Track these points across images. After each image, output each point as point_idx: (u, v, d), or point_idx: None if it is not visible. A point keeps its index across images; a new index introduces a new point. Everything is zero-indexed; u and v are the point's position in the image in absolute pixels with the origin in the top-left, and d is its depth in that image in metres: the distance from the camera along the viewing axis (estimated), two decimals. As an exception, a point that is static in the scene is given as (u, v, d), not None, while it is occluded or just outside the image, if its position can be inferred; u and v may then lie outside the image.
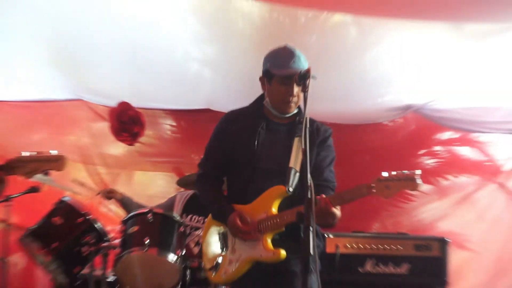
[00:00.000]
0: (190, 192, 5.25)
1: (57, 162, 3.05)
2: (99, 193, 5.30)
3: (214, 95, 5.82)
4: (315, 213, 3.01)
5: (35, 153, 3.01)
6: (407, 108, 5.76)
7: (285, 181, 3.40)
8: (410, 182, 3.10)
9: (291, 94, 3.47)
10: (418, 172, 3.07)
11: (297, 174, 3.39)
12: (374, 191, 3.16)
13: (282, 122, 3.62)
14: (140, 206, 5.26)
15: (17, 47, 5.33)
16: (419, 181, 3.07)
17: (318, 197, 3.21)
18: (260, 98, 3.69)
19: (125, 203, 5.27)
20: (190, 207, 5.17)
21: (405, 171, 3.10)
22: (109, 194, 5.28)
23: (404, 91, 5.65)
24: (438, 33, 5.09)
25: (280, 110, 3.57)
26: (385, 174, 3.14)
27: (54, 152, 3.03)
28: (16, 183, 3.14)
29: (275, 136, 3.58)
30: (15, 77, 5.74)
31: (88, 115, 6.19)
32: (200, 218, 5.05)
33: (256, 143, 3.53)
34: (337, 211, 3.28)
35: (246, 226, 3.45)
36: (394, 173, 3.13)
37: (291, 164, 3.43)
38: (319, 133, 3.60)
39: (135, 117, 5.86)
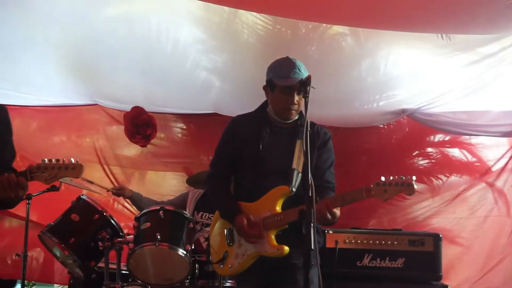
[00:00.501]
0: (201, 190, 5.24)
1: (74, 170, 3.08)
2: (109, 190, 5.26)
3: (221, 101, 5.82)
4: (318, 213, 3.08)
5: (54, 160, 3.01)
6: (401, 112, 5.75)
7: (288, 182, 3.43)
8: (407, 187, 3.16)
9: (292, 102, 3.51)
10: (414, 178, 3.13)
11: (300, 175, 3.43)
12: (373, 194, 3.20)
13: (285, 126, 3.64)
14: (150, 201, 5.27)
15: (37, 55, 5.35)
16: (415, 186, 3.13)
17: (320, 201, 3.25)
18: (264, 105, 3.72)
19: (135, 199, 5.24)
20: (201, 205, 5.16)
21: (402, 177, 3.15)
22: (118, 191, 5.25)
23: (398, 97, 5.64)
24: (429, 43, 5.10)
25: (282, 116, 3.61)
26: (383, 178, 3.18)
27: (72, 160, 3.03)
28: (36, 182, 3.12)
29: (278, 139, 3.61)
30: (36, 84, 5.74)
31: (104, 119, 6.19)
32: (210, 215, 5.05)
33: (261, 146, 3.56)
34: (337, 211, 3.33)
35: (252, 230, 3.47)
36: (391, 178, 3.18)
37: (294, 165, 3.47)
38: (319, 136, 3.63)
39: (148, 120, 5.86)
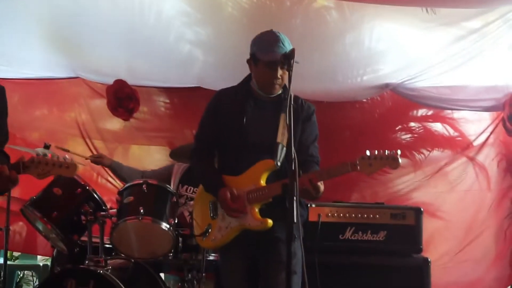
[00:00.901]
0: (187, 164, 5.21)
1: (68, 169, 3.07)
2: (87, 158, 5.22)
3: (205, 74, 5.78)
4: (301, 187, 3.13)
5: (48, 154, 2.98)
6: (385, 87, 5.73)
7: (273, 156, 3.43)
8: (392, 161, 3.19)
9: (275, 77, 3.50)
10: (399, 152, 3.15)
11: (284, 148, 3.42)
12: (358, 168, 3.22)
13: (269, 99, 3.63)
14: (131, 170, 5.25)
15: (18, 27, 5.27)
16: (399, 160, 3.16)
17: (304, 175, 3.27)
18: (248, 78, 3.70)
19: (114, 168, 5.20)
20: (186, 178, 5.14)
21: (387, 151, 3.18)
22: (97, 159, 5.20)
23: (381, 71, 5.62)
24: (414, 17, 5.08)
25: (265, 91, 3.60)
26: (368, 153, 3.20)
27: (67, 157, 3.05)
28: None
29: (262, 113, 3.60)
30: (17, 56, 5.67)
31: (86, 92, 6.12)
32: (195, 189, 5.00)
33: (245, 119, 3.55)
34: (321, 185, 3.35)
35: (235, 204, 3.47)
36: (376, 152, 3.20)
37: (278, 139, 3.47)
38: (303, 110, 3.63)
39: (130, 94, 5.83)
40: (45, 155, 3.04)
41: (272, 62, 3.45)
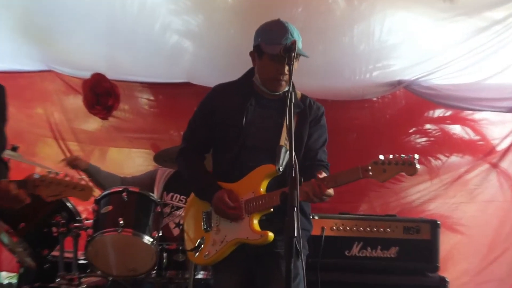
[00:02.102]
0: (171, 170, 5.20)
1: (83, 192, 3.08)
2: (62, 160, 5.20)
3: (195, 69, 5.77)
4: (308, 195, 3.20)
5: (60, 174, 2.95)
6: (397, 84, 5.73)
7: (275, 160, 3.43)
8: (408, 167, 3.19)
9: (282, 72, 3.49)
10: (417, 156, 3.17)
11: (288, 153, 3.39)
12: (371, 174, 3.21)
13: (273, 98, 3.62)
14: (110, 176, 5.24)
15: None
16: (417, 166, 3.17)
17: (313, 180, 3.28)
18: (250, 73, 3.69)
19: (91, 172, 5.15)
20: (172, 184, 5.14)
21: (403, 155, 3.19)
22: (74, 162, 5.15)
23: (394, 67, 5.62)
24: (430, 7, 5.08)
25: (270, 88, 3.59)
26: (382, 157, 3.20)
27: (83, 178, 3.01)
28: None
29: (265, 112, 3.61)
30: (-18, 47, 5.67)
31: (59, 88, 6.13)
32: (182, 197, 5.03)
33: (244, 119, 3.55)
34: (331, 191, 3.33)
35: (236, 203, 3.47)
36: (391, 156, 3.20)
37: (282, 142, 3.47)
38: (311, 111, 3.64)
39: (109, 89, 5.84)
40: (56, 173, 3.01)
41: (279, 56, 3.41)
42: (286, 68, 3.44)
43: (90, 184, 3.10)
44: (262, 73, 3.58)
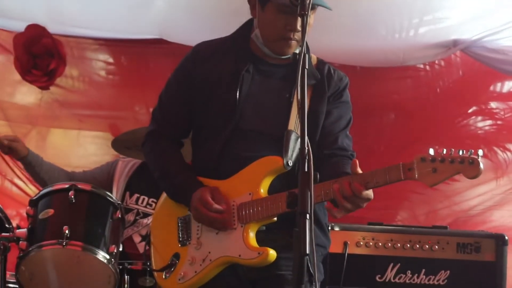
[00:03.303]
0: (137, 160, 5.23)
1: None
2: None
3: (170, 20, 5.81)
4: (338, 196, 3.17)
5: None
6: (452, 45, 5.79)
7: (281, 150, 3.42)
8: (469, 166, 3.16)
9: (292, 28, 3.49)
10: (481, 152, 3.13)
11: (299, 140, 3.38)
12: (416, 175, 3.21)
13: (279, 63, 3.63)
14: (55, 169, 5.26)
15: None
16: (481, 165, 3.13)
17: (345, 177, 3.25)
18: (247, 27, 3.70)
19: (31, 162, 5.15)
20: (137, 182, 5.19)
21: (461, 151, 3.15)
22: (10, 144, 5.10)
23: (447, 21, 5.67)
24: None
25: (275, 49, 3.60)
26: (432, 152, 3.18)
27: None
28: None
29: (267, 83, 3.62)
30: None
31: (-19, 45, 6.14)
32: (151, 200, 5.08)
33: (238, 92, 3.55)
34: (370, 192, 3.29)
35: (224, 206, 3.45)
36: (445, 151, 3.18)
37: (291, 126, 3.47)
38: (331, 83, 3.63)
39: (51, 47, 5.78)
40: None
41: (290, 5, 3.33)
42: (299, 22, 3.42)
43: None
44: (265, 28, 3.57)
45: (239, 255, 3.44)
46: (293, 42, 3.52)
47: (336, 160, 3.48)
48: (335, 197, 3.23)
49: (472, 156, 3.13)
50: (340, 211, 3.28)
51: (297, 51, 3.50)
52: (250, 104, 3.56)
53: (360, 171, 3.25)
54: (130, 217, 5.01)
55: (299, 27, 3.44)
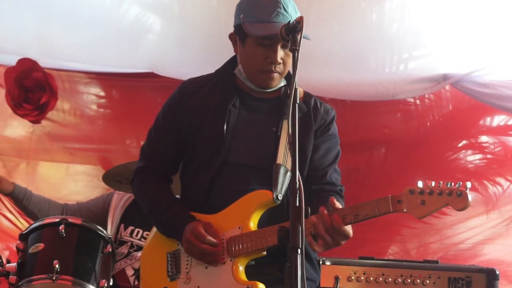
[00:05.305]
0: (132, 194, 5.19)
1: None
2: None
3: (162, 54, 5.83)
4: (319, 229, 3.15)
5: None
6: (442, 79, 5.80)
7: (270, 183, 3.42)
8: (457, 198, 3.14)
9: (273, 60, 3.49)
10: (469, 184, 3.12)
11: (289, 174, 3.40)
12: (405, 208, 3.19)
13: (264, 97, 3.64)
14: (45, 202, 5.24)
15: None
16: (469, 197, 3.11)
17: (322, 208, 3.23)
18: (231, 63, 3.72)
19: (18, 196, 5.15)
20: (132, 215, 5.18)
21: (450, 183, 3.14)
22: None
23: (437, 56, 5.69)
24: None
25: (258, 82, 3.61)
26: (421, 184, 3.17)
27: None
28: None
29: (253, 117, 3.63)
30: None
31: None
32: (145, 233, 5.06)
33: (225, 126, 3.56)
34: (349, 229, 3.28)
35: (216, 239, 3.44)
36: (433, 183, 3.17)
37: (279, 159, 3.47)
38: (317, 116, 3.64)
39: (42, 81, 5.81)
40: None
41: (269, 38, 3.42)
42: (280, 54, 3.45)
43: None
44: (246, 62, 3.59)
45: (228, 290, 3.44)
46: (275, 75, 3.53)
47: (324, 195, 3.44)
48: (315, 228, 3.20)
49: (460, 188, 3.12)
50: (320, 245, 3.26)
51: (282, 84, 3.58)
52: (237, 138, 3.57)
53: (339, 206, 3.27)
54: (124, 249, 5.00)
55: (279, 59, 3.46)
